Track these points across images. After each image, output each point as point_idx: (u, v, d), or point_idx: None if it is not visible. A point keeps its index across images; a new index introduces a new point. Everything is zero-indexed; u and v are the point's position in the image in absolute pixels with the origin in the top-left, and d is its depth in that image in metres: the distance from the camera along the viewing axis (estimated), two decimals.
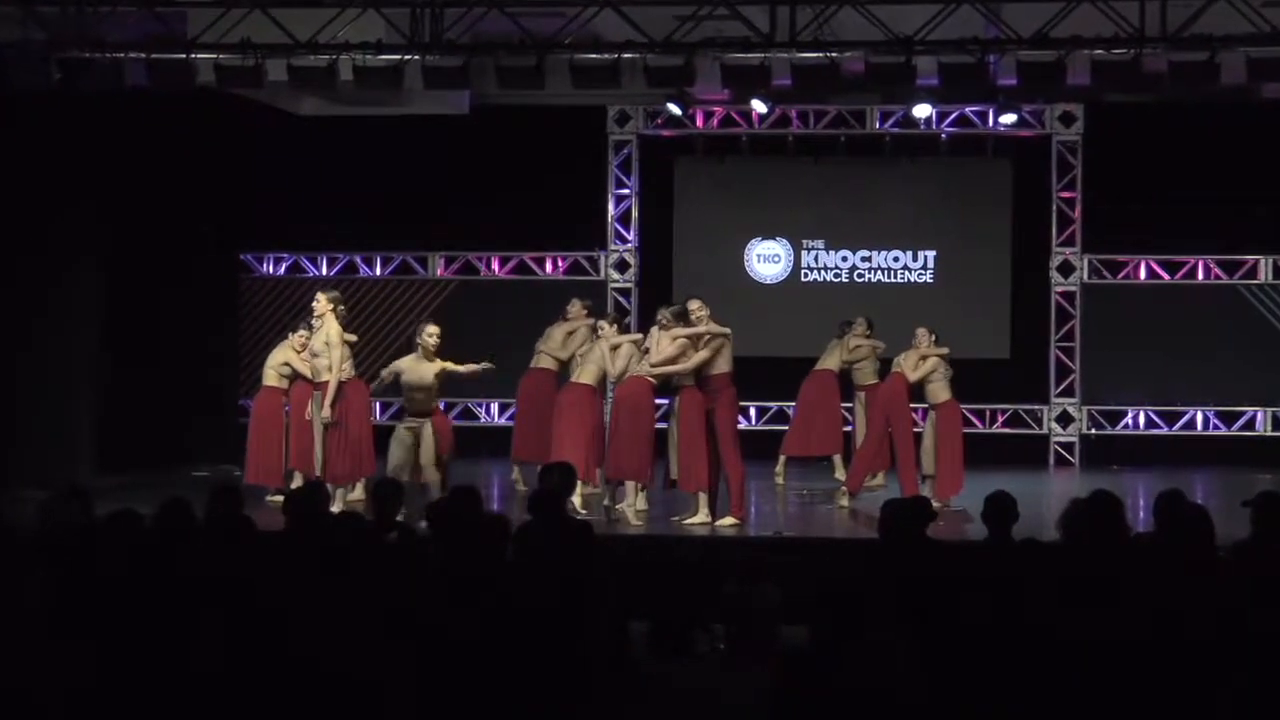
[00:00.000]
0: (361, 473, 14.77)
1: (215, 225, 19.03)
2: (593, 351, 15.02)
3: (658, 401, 14.34)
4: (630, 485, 14.10)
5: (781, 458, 17.45)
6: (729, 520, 13.76)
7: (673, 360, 13.82)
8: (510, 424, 17.99)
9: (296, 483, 14.75)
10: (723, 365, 13.87)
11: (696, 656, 7.26)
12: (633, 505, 13.98)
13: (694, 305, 13.96)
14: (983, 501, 8.62)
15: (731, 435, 13.91)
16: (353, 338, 15.41)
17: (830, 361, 17.48)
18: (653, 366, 13.91)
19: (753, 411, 19.85)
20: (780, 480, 17.26)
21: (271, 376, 15.58)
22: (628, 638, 7.24)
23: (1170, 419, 19.84)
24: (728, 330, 13.91)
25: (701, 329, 13.80)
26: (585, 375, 15.02)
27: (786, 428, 18.12)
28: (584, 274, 20.59)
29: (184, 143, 17.88)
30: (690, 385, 13.87)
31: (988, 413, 19.89)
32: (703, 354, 13.78)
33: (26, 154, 16.00)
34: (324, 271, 20.73)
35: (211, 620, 6.58)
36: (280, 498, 12.07)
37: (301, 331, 15.28)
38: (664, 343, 13.84)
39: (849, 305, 19.66)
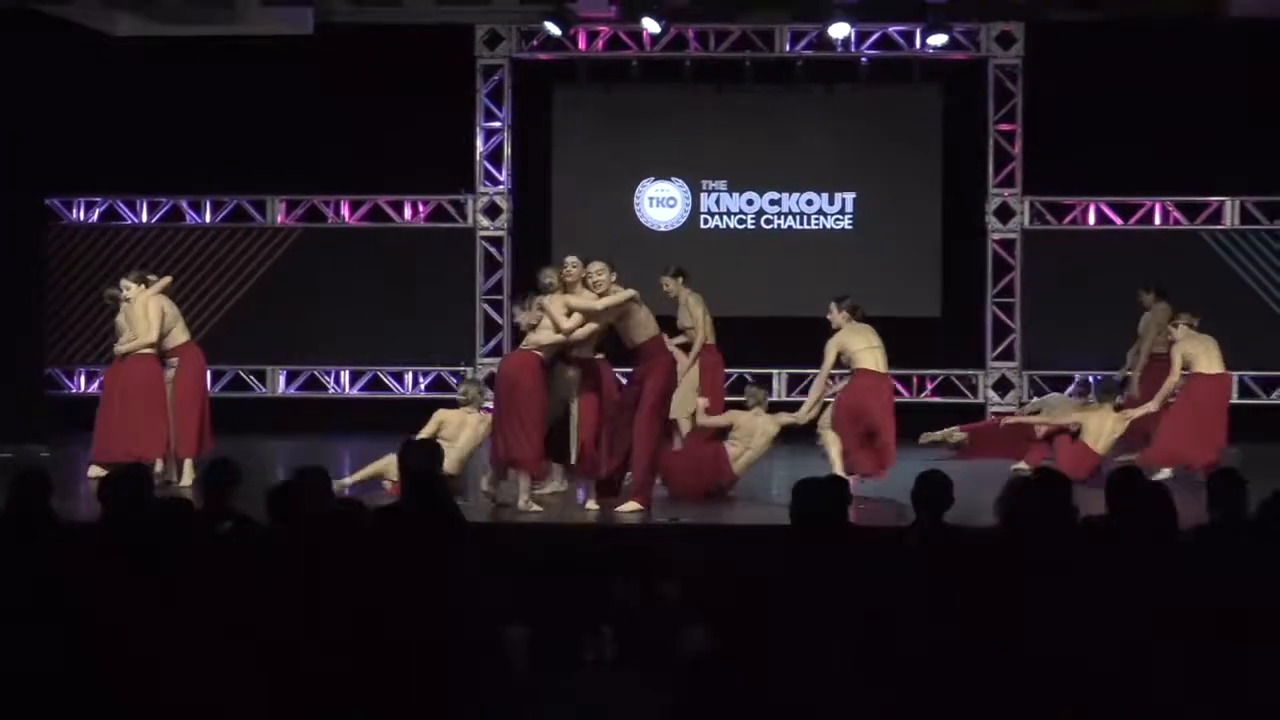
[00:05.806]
0: (186, 451, 15.08)
1: (15, 164, 18.71)
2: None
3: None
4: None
5: None
6: (631, 506, 13.50)
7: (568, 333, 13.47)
8: (361, 395, 17.81)
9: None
10: (650, 329, 13.58)
11: (582, 665, 7.18)
12: (527, 491, 13.70)
13: (596, 268, 13.48)
14: (913, 480, 8.61)
15: (660, 408, 13.65)
16: (166, 281, 15.31)
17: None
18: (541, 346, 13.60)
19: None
20: None
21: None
22: (503, 644, 7.17)
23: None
24: (633, 292, 13.52)
25: (599, 303, 13.39)
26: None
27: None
28: (449, 220, 20.45)
29: None
30: (588, 356, 13.66)
31: (915, 379, 19.94)
32: (593, 326, 13.49)
33: None
34: (144, 219, 20.46)
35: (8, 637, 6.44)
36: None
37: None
38: (556, 309, 13.48)
39: (754, 255, 19.71)
